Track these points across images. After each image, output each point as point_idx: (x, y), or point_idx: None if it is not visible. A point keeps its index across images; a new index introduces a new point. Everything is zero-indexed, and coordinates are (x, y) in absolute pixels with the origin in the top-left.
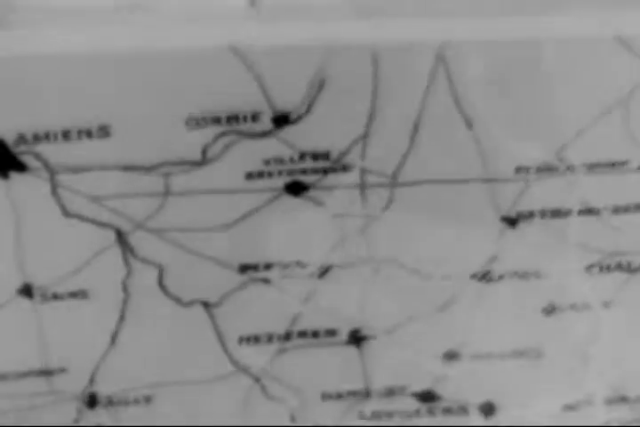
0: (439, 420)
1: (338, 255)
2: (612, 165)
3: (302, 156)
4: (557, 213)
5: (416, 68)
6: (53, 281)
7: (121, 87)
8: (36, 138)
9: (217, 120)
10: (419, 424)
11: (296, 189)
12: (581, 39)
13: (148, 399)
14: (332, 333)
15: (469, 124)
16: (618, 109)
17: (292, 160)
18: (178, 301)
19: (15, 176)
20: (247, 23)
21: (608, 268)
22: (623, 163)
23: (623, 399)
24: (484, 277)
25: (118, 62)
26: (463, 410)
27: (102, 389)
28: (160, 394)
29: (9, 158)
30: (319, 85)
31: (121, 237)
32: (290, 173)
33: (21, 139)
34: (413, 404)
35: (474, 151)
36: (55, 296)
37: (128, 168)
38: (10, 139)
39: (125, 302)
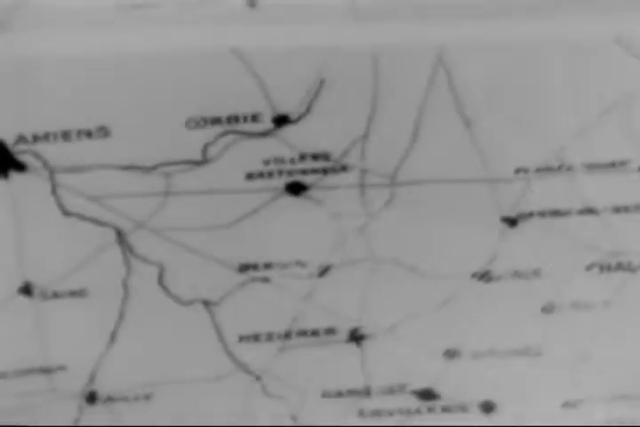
0: (439, 418)
1: (337, 255)
2: (612, 165)
3: (302, 156)
4: (557, 213)
5: (416, 69)
6: (53, 280)
7: (121, 88)
8: (36, 138)
9: (217, 120)
10: (419, 422)
11: (296, 188)
12: (581, 40)
13: (147, 397)
14: (331, 331)
15: (469, 125)
16: (617, 110)
17: (292, 160)
18: (178, 300)
19: (15, 176)
20: (247, 25)
21: (608, 267)
22: (623, 163)
23: (623, 398)
24: (485, 276)
25: (119, 63)
26: (463, 408)
27: (102, 386)
28: (160, 392)
29: (9, 158)
30: (319, 86)
31: (121, 236)
32: (290, 173)
33: (21, 138)
34: (413, 402)
35: (474, 152)
36: (55, 295)
37: (128, 168)
38: (10, 138)
39: (125, 300)
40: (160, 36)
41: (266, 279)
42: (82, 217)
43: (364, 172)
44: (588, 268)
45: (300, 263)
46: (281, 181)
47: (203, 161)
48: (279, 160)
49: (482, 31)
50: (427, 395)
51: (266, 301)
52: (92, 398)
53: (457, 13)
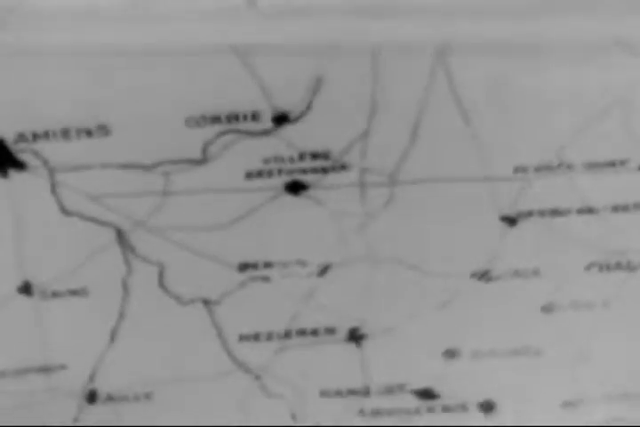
0: (438, 418)
1: (337, 254)
2: (612, 164)
3: (302, 155)
4: (557, 212)
5: (416, 67)
6: (53, 279)
7: (121, 86)
8: (36, 136)
9: (217, 119)
10: (418, 422)
11: (296, 188)
12: (581, 40)
13: (148, 396)
14: (331, 331)
15: (468, 124)
16: (617, 109)
17: (291, 159)
18: (178, 299)
19: (15, 175)
20: (247, 23)
21: (607, 266)
22: (622, 162)
23: (622, 397)
24: (484, 275)
25: (118, 62)
26: (462, 408)
27: (102, 385)
28: (159, 391)
29: (9, 157)
30: (318, 84)
31: (121, 235)
32: (289, 172)
33: (21, 137)
34: (413, 402)
35: (473, 151)
36: (55, 294)
37: (128, 167)
38: (9, 137)
39: (125, 299)
40: (160, 35)
41: (266, 279)
42: (81, 216)
43: (363, 171)
44: (588, 267)
45: (300, 262)
46: (280, 180)
47: (202, 160)
48: (279, 159)
49: (482, 30)
50: (426, 395)
51: (266, 300)
52: (91, 397)
53: (457, 12)
